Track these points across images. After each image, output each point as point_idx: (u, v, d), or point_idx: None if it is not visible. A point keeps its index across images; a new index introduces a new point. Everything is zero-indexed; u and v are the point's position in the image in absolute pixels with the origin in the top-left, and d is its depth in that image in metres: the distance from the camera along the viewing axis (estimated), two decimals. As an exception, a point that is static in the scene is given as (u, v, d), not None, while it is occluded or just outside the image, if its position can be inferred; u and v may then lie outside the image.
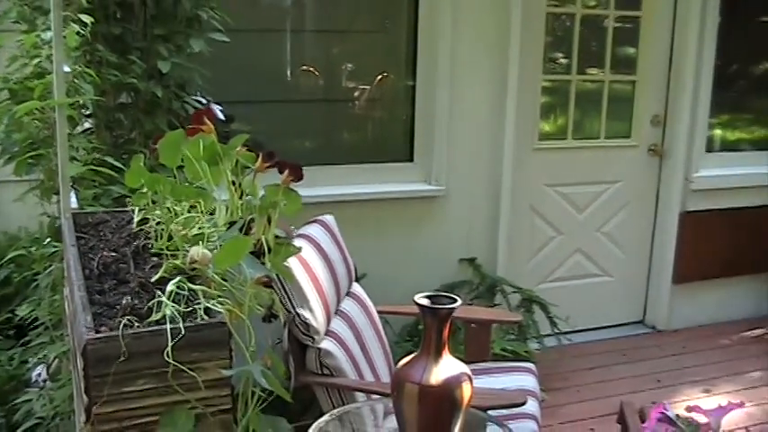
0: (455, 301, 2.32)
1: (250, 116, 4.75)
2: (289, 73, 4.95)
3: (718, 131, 6.25)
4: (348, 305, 3.65)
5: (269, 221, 1.82)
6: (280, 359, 1.91)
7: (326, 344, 3.24)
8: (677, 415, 1.68)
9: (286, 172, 1.89)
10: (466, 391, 2.32)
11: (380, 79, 5.10)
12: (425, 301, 2.31)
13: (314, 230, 3.59)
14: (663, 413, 1.68)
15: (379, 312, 3.89)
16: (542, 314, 5.07)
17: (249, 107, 4.75)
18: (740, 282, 6.19)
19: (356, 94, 5.10)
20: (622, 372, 5.31)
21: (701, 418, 1.66)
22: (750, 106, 6.65)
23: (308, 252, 3.38)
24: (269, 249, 1.80)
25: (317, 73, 4.98)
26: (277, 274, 2.94)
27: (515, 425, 3.23)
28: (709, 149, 6.00)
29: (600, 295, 5.87)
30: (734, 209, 5.96)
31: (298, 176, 1.89)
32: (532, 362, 4.14)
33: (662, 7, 5.61)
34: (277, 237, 1.91)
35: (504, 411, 3.22)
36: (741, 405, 1.76)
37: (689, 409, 1.72)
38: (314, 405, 3.39)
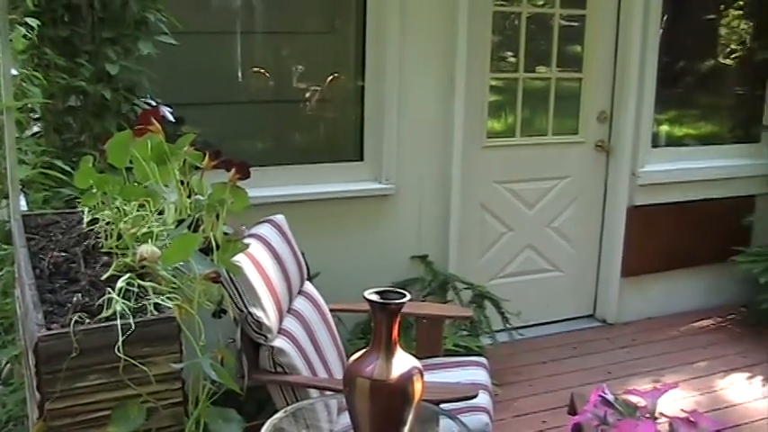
0: (404, 296, 2.36)
1: (202, 118, 4.75)
2: (240, 74, 4.96)
3: (664, 127, 6.36)
4: (300, 303, 3.67)
5: (217, 219, 1.85)
6: (232, 355, 1.94)
7: (279, 342, 3.26)
8: (616, 397, 1.74)
9: (233, 170, 1.92)
10: (417, 384, 2.35)
11: (331, 80, 5.13)
12: (375, 297, 2.34)
13: (265, 230, 3.61)
14: (602, 396, 1.74)
15: (331, 310, 3.91)
16: (494, 309, 5.11)
17: (201, 109, 4.74)
18: (687, 274, 6.29)
19: (307, 94, 5.12)
20: (574, 365, 5.38)
21: (639, 401, 1.71)
22: (695, 102, 6.78)
23: (259, 251, 3.40)
24: (217, 246, 1.83)
25: (267, 74, 5.00)
26: (229, 274, 2.98)
27: (467, 418, 3.28)
28: (655, 145, 6.09)
29: (551, 290, 5.94)
30: (680, 203, 6.06)
31: (245, 174, 1.92)
32: (485, 357, 4.19)
33: (606, 6, 5.69)
34: (226, 234, 1.94)
35: (457, 405, 3.26)
36: (675, 386, 1.82)
37: (627, 392, 1.78)
38: (269, 405, 3.41)
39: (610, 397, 1.72)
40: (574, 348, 5.65)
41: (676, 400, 4.88)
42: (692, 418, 1.63)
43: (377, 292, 2.36)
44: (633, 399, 1.75)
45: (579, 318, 6.14)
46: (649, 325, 6.10)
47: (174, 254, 1.68)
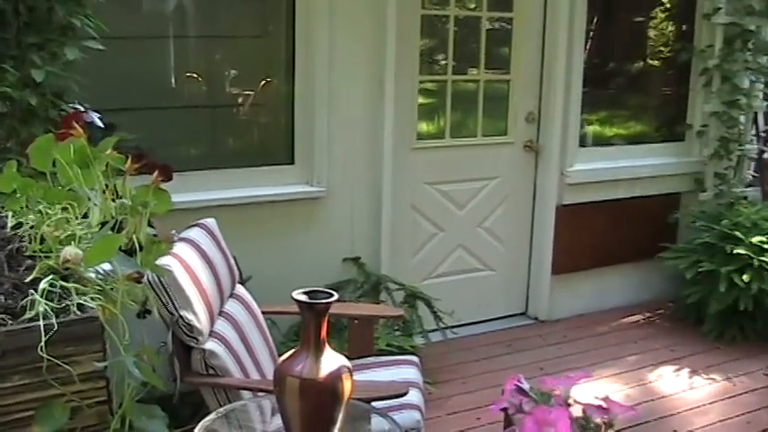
0: (332, 295, 2.40)
1: (135, 123, 4.68)
2: (173, 80, 4.94)
3: (592, 127, 6.47)
4: (232, 306, 3.68)
5: (141, 221, 1.87)
6: (155, 352, 1.95)
7: (211, 344, 3.27)
8: (531, 386, 1.79)
9: (156, 172, 1.94)
10: (346, 383, 2.39)
11: (264, 84, 5.14)
12: (303, 297, 2.38)
13: (195, 234, 3.62)
14: (517, 385, 1.80)
15: (264, 313, 3.92)
16: (427, 309, 5.16)
17: (134, 114, 4.70)
18: (616, 271, 6.41)
19: (240, 99, 5.12)
20: (507, 362, 5.43)
21: (554, 389, 1.77)
22: (624, 102, 6.93)
23: (189, 255, 3.40)
24: (140, 248, 1.85)
25: (200, 79, 4.99)
26: (160, 278, 2.99)
27: (399, 415, 3.32)
28: (583, 144, 6.19)
29: (483, 289, 6.00)
30: (608, 201, 6.18)
31: (167, 177, 1.94)
32: (418, 356, 4.24)
33: (532, 9, 5.78)
34: (155, 236, 1.96)
35: (388, 403, 3.30)
36: (588, 375, 1.88)
37: (540, 381, 1.84)
38: (204, 408, 3.42)
39: (525, 386, 1.78)
40: (507, 346, 5.72)
41: (608, 394, 4.97)
42: (604, 404, 1.69)
43: (305, 293, 2.40)
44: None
45: (511, 316, 6.21)
46: (580, 321, 6.21)
47: (96, 255, 1.70)
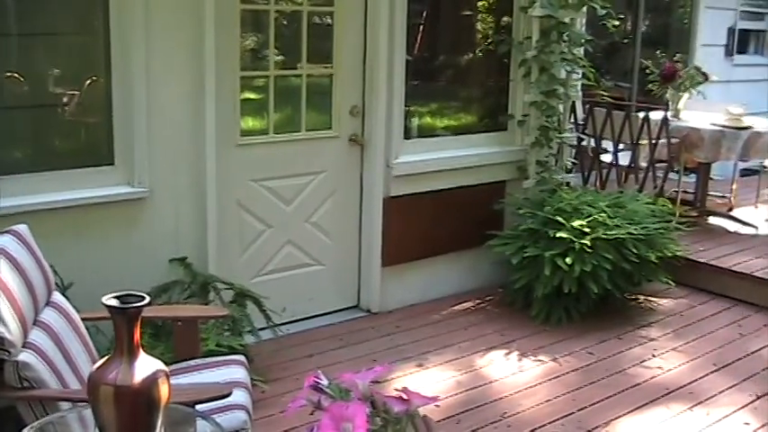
0: (143, 299, 2.36)
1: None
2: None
3: (418, 119, 6.56)
4: (48, 315, 3.55)
5: None
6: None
7: (24, 356, 3.15)
8: (329, 383, 1.80)
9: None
10: (163, 388, 2.36)
11: (90, 83, 4.99)
12: (113, 302, 2.33)
13: (5, 241, 3.47)
14: (315, 381, 1.80)
15: (84, 320, 3.81)
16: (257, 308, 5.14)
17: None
18: (446, 260, 6.52)
19: (65, 99, 4.96)
20: (340, 356, 5.46)
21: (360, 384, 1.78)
22: (451, 94, 7.07)
23: (-2, 264, 3.27)
24: None
25: (22, 79, 4.80)
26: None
27: (223, 417, 3.29)
28: (408, 137, 6.27)
29: (314, 284, 6.00)
30: (435, 191, 6.27)
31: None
32: (247, 355, 4.20)
33: (353, 3, 5.80)
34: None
35: (214, 405, 3.27)
36: (386, 368, 1.90)
37: (338, 376, 1.85)
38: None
39: (323, 382, 1.79)
40: (340, 340, 5.74)
41: (438, 382, 5.09)
42: (404, 396, 1.71)
43: (117, 297, 2.35)
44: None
45: (344, 309, 6.22)
46: (412, 311, 6.29)
47: None
